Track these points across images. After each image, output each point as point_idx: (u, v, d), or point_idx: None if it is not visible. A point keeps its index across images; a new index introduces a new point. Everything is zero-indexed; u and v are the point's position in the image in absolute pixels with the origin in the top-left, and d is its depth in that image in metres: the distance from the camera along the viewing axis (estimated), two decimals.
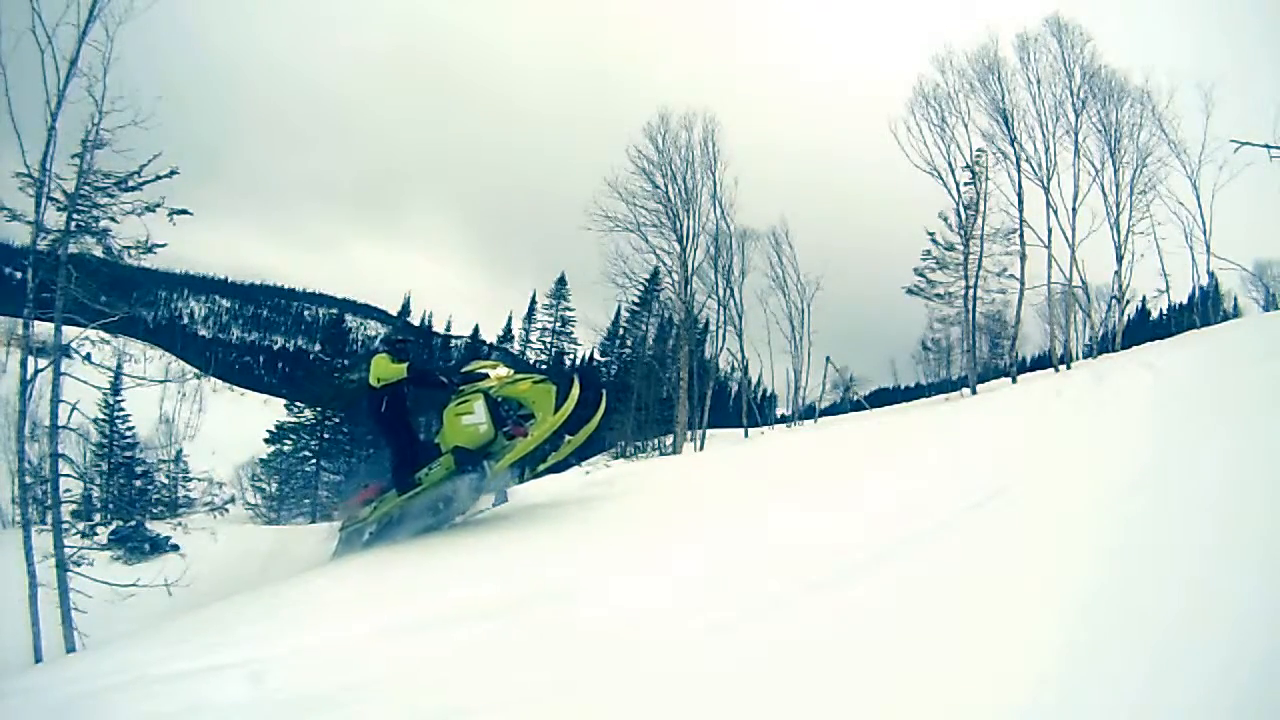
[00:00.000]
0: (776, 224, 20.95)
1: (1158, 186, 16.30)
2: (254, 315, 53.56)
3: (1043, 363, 18.19)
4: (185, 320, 51.90)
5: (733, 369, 22.74)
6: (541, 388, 6.05)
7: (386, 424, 6.23)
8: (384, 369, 6.12)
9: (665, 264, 19.83)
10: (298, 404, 24.66)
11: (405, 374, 6.06)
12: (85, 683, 3.19)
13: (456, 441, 5.85)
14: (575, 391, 5.95)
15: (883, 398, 23.74)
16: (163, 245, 7.88)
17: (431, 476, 5.99)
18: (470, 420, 5.79)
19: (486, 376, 6.04)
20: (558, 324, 26.54)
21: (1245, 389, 4.05)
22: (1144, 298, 18.18)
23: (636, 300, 23.33)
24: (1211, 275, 16.67)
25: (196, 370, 40.72)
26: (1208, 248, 16.27)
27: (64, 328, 7.20)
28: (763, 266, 20.69)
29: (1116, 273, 16.35)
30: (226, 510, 21.85)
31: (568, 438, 6.17)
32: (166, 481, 24.02)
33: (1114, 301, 16.66)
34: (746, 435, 19.54)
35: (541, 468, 6.60)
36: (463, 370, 6.32)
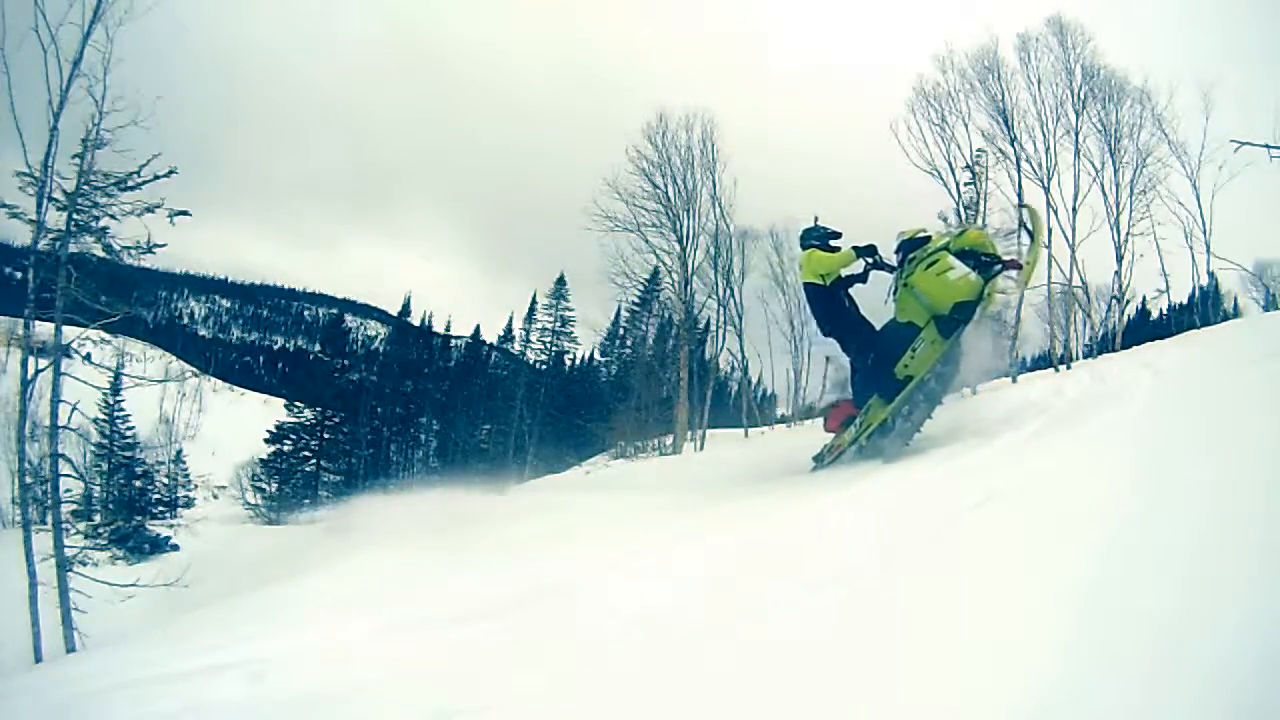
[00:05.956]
0: (777, 224, 20.95)
1: (1158, 186, 16.29)
2: (254, 315, 53.55)
3: (1043, 363, 18.17)
4: (185, 320, 51.88)
5: (733, 369, 22.74)
6: (985, 232, 5.89)
7: (852, 322, 5.81)
8: (827, 261, 5.71)
9: (665, 264, 19.84)
10: (298, 404, 24.68)
11: (857, 256, 5.66)
12: (85, 683, 3.20)
13: (955, 299, 5.45)
14: (1040, 222, 5.81)
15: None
16: (162, 245, 7.92)
17: (920, 358, 5.59)
18: (957, 274, 5.46)
19: (928, 239, 5.77)
20: (558, 324, 26.56)
21: (1245, 389, 4.05)
22: (1144, 298, 18.15)
23: (636, 300, 23.35)
24: (1211, 275, 16.66)
25: (196, 370, 40.76)
26: (1208, 248, 16.26)
27: (64, 328, 7.21)
28: (762, 267, 20.68)
29: (1116, 273, 16.34)
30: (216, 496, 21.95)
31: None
32: (167, 482, 24.05)
33: (1114, 301, 16.64)
34: (746, 435, 19.54)
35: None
36: (904, 241, 5.91)
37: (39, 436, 8.89)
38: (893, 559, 2.80)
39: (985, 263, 5.63)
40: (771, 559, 3.39)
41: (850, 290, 6.13)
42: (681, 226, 19.28)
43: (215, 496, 23.99)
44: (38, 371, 7.11)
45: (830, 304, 5.84)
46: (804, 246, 6.11)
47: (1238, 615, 1.60)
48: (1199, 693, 1.42)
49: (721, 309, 20.20)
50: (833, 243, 6.06)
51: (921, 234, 5.87)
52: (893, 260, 5.96)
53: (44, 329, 7.41)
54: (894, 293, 5.88)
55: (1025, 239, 5.91)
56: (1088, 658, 1.60)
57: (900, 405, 5.62)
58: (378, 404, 26.91)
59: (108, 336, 23.65)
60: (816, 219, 6.19)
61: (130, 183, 7.66)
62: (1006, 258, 5.80)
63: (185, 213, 8.02)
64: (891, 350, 5.73)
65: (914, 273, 5.64)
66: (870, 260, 5.96)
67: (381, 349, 31.03)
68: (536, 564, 4.32)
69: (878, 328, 6.05)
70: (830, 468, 6.22)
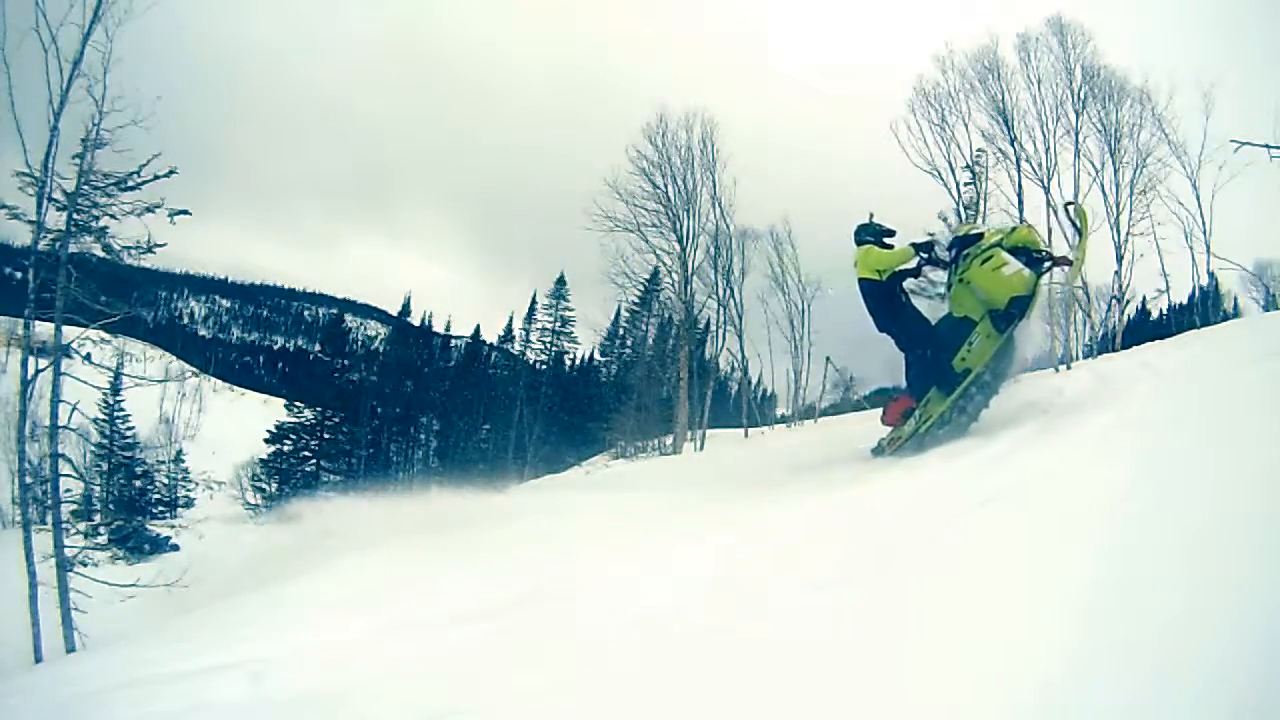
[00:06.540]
0: (777, 224, 20.96)
1: (1158, 186, 16.31)
2: (254, 315, 53.52)
3: (1043, 363, 18.20)
4: (185, 320, 51.86)
5: (733, 369, 22.77)
6: (1033, 229, 6.06)
7: (908, 317, 5.93)
8: (885, 258, 5.83)
9: (665, 264, 19.89)
10: (298, 404, 24.70)
11: (916, 252, 5.78)
12: (85, 683, 3.20)
13: (1011, 293, 5.55)
14: (1087, 219, 6.16)
15: (883, 398, 23.65)
16: (163, 245, 7.92)
17: (976, 351, 5.71)
18: (1011, 269, 5.57)
19: (980, 235, 5.87)
20: (558, 324, 26.61)
21: (1245, 389, 4.05)
22: (1144, 298, 18.17)
23: (636, 300, 23.40)
24: (1211, 275, 16.68)
25: (196, 370, 40.78)
26: (1208, 248, 16.28)
27: (64, 328, 7.21)
28: (762, 266, 20.70)
29: (1116, 273, 16.35)
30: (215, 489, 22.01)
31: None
32: (166, 481, 24.07)
33: (1114, 301, 16.65)
34: (746, 435, 19.54)
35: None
36: (957, 238, 6.05)
37: (39, 436, 8.89)
38: (894, 559, 2.80)
39: (1036, 259, 5.77)
40: (772, 558, 3.39)
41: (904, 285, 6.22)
42: (681, 226, 19.31)
43: (212, 492, 23.99)
44: (38, 371, 7.11)
45: (887, 300, 5.93)
46: (859, 243, 6.15)
47: (1238, 615, 1.60)
48: (1201, 692, 1.42)
49: (721, 309, 20.25)
50: (886, 240, 6.12)
51: (975, 231, 6.01)
52: (946, 257, 6.06)
53: (44, 329, 7.42)
54: (948, 288, 6.01)
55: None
56: (1090, 657, 1.60)
57: (959, 398, 5.72)
58: (378, 404, 26.93)
59: (108, 336, 23.65)
60: (871, 215, 6.29)
61: (130, 183, 7.66)
62: (1058, 255, 6.00)
63: (185, 212, 8.02)
64: (947, 344, 5.86)
65: (969, 268, 5.75)
66: (926, 256, 6.04)
67: (381, 349, 31.07)
68: (536, 564, 4.32)
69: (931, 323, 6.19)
70: (830, 468, 6.25)
